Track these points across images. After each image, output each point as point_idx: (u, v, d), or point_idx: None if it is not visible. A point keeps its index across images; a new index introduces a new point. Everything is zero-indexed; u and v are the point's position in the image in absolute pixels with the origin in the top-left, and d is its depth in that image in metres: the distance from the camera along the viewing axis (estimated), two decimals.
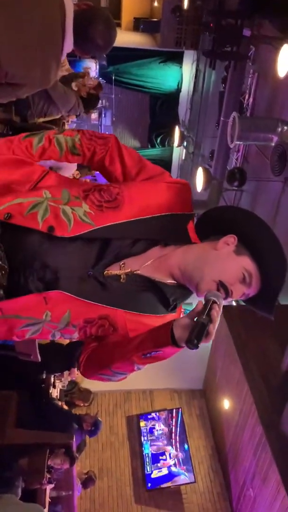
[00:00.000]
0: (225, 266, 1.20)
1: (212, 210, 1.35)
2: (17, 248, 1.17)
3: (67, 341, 4.22)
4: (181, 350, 1.11)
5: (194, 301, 1.17)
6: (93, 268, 1.18)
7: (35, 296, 1.14)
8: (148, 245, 1.22)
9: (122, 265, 1.21)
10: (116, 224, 1.19)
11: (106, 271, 1.19)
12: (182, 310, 1.36)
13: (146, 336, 1.16)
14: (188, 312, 1.11)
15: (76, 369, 4.46)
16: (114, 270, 1.20)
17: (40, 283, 1.16)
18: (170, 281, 1.25)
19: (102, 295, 1.18)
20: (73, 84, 4.24)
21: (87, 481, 5.11)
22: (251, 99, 6.23)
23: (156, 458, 5.91)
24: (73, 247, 1.18)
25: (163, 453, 5.97)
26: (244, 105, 6.36)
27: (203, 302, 1.09)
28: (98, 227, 1.17)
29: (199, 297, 1.18)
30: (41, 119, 3.88)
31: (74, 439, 4.09)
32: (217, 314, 1.06)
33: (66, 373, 5.17)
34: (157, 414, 6.33)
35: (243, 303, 1.30)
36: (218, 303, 1.09)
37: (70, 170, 4.16)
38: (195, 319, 1.06)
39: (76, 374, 4.78)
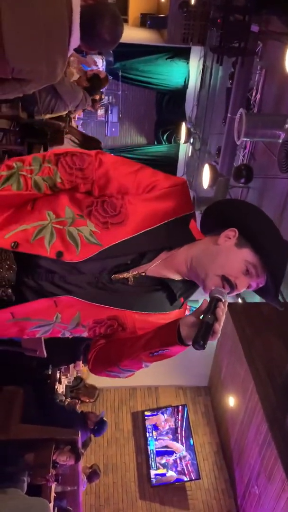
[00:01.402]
0: (227, 260, 1.20)
1: (213, 205, 1.34)
2: (28, 263, 1.17)
3: None
4: (187, 348, 1.11)
5: (200, 297, 1.17)
6: (100, 274, 1.18)
7: (46, 300, 1.15)
8: (155, 255, 1.22)
9: (129, 272, 1.21)
10: (123, 241, 1.18)
11: (114, 276, 1.19)
12: (188, 307, 1.36)
13: (154, 335, 1.17)
14: (194, 310, 1.11)
15: (80, 362, 4.47)
16: (121, 274, 1.20)
17: (50, 284, 1.17)
18: (177, 277, 1.26)
19: (111, 298, 1.19)
20: (72, 80, 4.24)
21: (92, 475, 5.14)
22: (258, 96, 6.19)
23: (161, 454, 5.93)
24: (82, 265, 1.18)
25: (168, 450, 5.98)
26: (252, 102, 6.33)
27: (208, 300, 1.09)
28: (106, 247, 1.17)
29: (206, 293, 1.18)
30: (48, 115, 3.87)
31: (79, 435, 4.11)
32: (222, 312, 1.06)
33: (72, 368, 5.19)
34: (162, 410, 6.34)
35: (248, 301, 1.30)
36: (223, 300, 1.09)
37: None
38: (200, 317, 1.06)
39: (81, 367, 4.79)
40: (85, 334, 1.26)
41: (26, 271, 1.16)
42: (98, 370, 1.32)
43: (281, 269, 1.19)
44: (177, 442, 6.05)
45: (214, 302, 1.08)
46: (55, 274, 1.16)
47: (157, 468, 5.78)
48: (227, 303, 1.10)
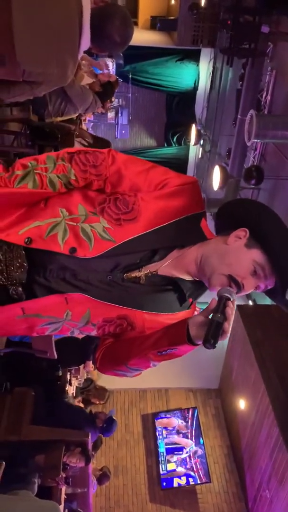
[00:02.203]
0: (235, 259, 1.19)
1: (226, 204, 1.34)
2: (40, 261, 1.17)
3: None
4: (196, 348, 1.11)
5: (209, 300, 1.17)
6: (112, 272, 1.19)
7: (57, 296, 1.15)
8: (167, 252, 1.23)
9: (141, 269, 1.21)
10: (136, 237, 1.19)
11: (125, 275, 1.20)
12: (198, 309, 1.35)
13: (162, 334, 1.17)
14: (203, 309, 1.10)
15: (91, 362, 4.47)
16: (133, 272, 1.21)
17: (61, 282, 1.17)
18: (187, 277, 1.25)
19: (121, 297, 1.19)
20: (85, 84, 4.25)
21: (102, 477, 5.14)
22: (268, 97, 6.16)
23: (170, 452, 5.91)
24: (95, 261, 1.18)
25: (178, 447, 5.97)
26: (262, 103, 6.30)
27: (217, 299, 1.08)
28: (119, 243, 1.17)
29: (211, 291, 1.18)
30: (59, 118, 3.90)
31: (90, 437, 4.11)
32: (232, 311, 1.06)
33: (82, 369, 5.20)
34: (173, 413, 6.32)
35: (259, 303, 1.29)
36: (231, 299, 1.08)
37: None
38: (210, 317, 1.06)
39: (91, 367, 4.79)
40: (94, 333, 1.25)
41: (38, 269, 1.17)
42: (106, 369, 1.32)
43: None
44: (187, 444, 6.03)
45: (223, 301, 1.07)
46: (66, 271, 1.16)
47: (168, 472, 5.76)
48: (235, 302, 1.10)
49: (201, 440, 5.97)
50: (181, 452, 5.91)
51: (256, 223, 1.22)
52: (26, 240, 1.15)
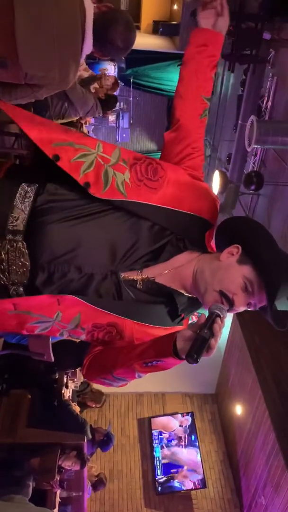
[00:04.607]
0: (226, 275, 1.19)
1: (225, 221, 1.36)
2: (43, 242, 1.16)
3: None
4: (182, 362, 1.11)
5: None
6: (117, 265, 1.19)
7: (49, 297, 1.15)
8: (172, 253, 1.23)
9: (140, 272, 1.22)
10: (146, 204, 1.21)
11: (124, 275, 1.19)
12: (195, 316, 1.35)
13: (149, 345, 1.17)
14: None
15: None
16: (132, 275, 1.21)
17: (60, 285, 1.17)
18: (183, 291, 1.26)
19: (114, 304, 1.20)
20: (91, 87, 4.26)
21: (98, 484, 5.11)
22: (269, 103, 6.18)
23: (167, 462, 5.88)
24: (103, 221, 1.19)
25: (174, 458, 5.94)
26: (263, 109, 6.31)
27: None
28: (129, 200, 1.19)
29: (206, 308, 1.18)
30: (60, 121, 3.90)
31: (85, 441, 4.10)
32: (220, 328, 1.06)
33: (78, 372, 5.18)
34: (169, 417, 6.30)
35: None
36: (221, 316, 1.09)
37: None
38: (197, 332, 1.05)
39: None
40: (83, 337, 1.25)
41: (39, 267, 1.16)
42: (92, 376, 1.32)
43: (279, 288, 1.17)
44: (183, 449, 6.00)
45: (212, 317, 1.07)
46: (71, 265, 1.16)
47: (163, 476, 5.73)
48: (225, 320, 1.10)
49: (197, 451, 5.93)
50: (177, 462, 5.89)
51: (247, 239, 1.23)
52: (55, 156, 1.18)
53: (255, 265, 1.20)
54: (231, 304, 1.17)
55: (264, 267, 1.19)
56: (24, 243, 1.16)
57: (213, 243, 1.32)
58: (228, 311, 1.17)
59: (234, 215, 6.27)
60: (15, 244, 1.16)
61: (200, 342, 1.02)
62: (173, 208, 1.23)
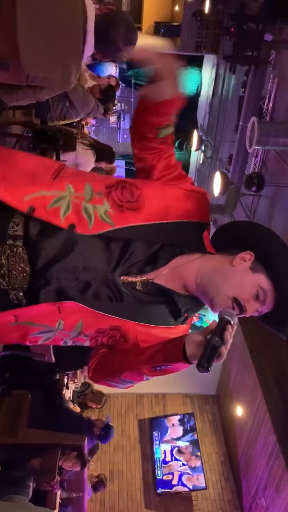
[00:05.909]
0: (241, 282, 1.19)
1: (232, 224, 1.36)
2: (42, 247, 1.16)
3: None
4: (191, 366, 1.10)
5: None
6: (113, 271, 1.18)
7: (50, 305, 1.15)
8: (168, 258, 1.22)
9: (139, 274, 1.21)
10: (135, 226, 1.19)
11: (123, 278, 1.19)
12: (197, 314, 1.35)
13: (158, 349, 1.16)
14: (202, 318, 1.10)
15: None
16: (131, 277, 1.20)
17: (58, 291, 1.16)
18: (183, 291, 1.25)
19: (115, 307, 1.19)
20: (87, 87, 4.27)
21: (98, 485, 5.10)
22: (270, 104, 6.17)
23: (167, 463, 5.88)
24: (94, 248, 1.18)
25: (174, 458, 5.93)
26: (264, 110, 6.31)
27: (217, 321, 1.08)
28: (118, 227, 1.18)
29: (213, 312, 1.17)
30: (61, 122, 3.91)
31: (86, 441, 4.10)
32: (230, 335, 1.05)
33: (79, 373, 5.18)
34: (170, 418, 6.29)
35: None
36: (232, 323, 1.07)
37: (87, 166, 4.19)
38: (207, 337, 1.05)
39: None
40: (87, 344, 1.25)
41: (38, 272, 1.16)
42: (98, 379, 1.31)
43: None
44: (184, 451, 6.00)
45: (223, 323, 1.06)
46: (68, 272, 1.16)
47: (163, 477, 5.73)
48: (235, 327, 1.09)
49: (198, 452, 5.93)
50: (177, 464, 5.88)
51: (262, 247, 1.23)
52: (29, 208, 1.15)
53: (270, 276, 1.20)
54: (242, 311, 1.17)
55: (280, 282, 1.19)
56: (24, 249, 1.15)
57: (208, 239, 1.31)
58: (237, 315, 1.16)
59: (234, 217, 6.28)
60: (15, 249, 1.15)
61: (211, 350, 1.01)
62: (162, 221, 1.22)
